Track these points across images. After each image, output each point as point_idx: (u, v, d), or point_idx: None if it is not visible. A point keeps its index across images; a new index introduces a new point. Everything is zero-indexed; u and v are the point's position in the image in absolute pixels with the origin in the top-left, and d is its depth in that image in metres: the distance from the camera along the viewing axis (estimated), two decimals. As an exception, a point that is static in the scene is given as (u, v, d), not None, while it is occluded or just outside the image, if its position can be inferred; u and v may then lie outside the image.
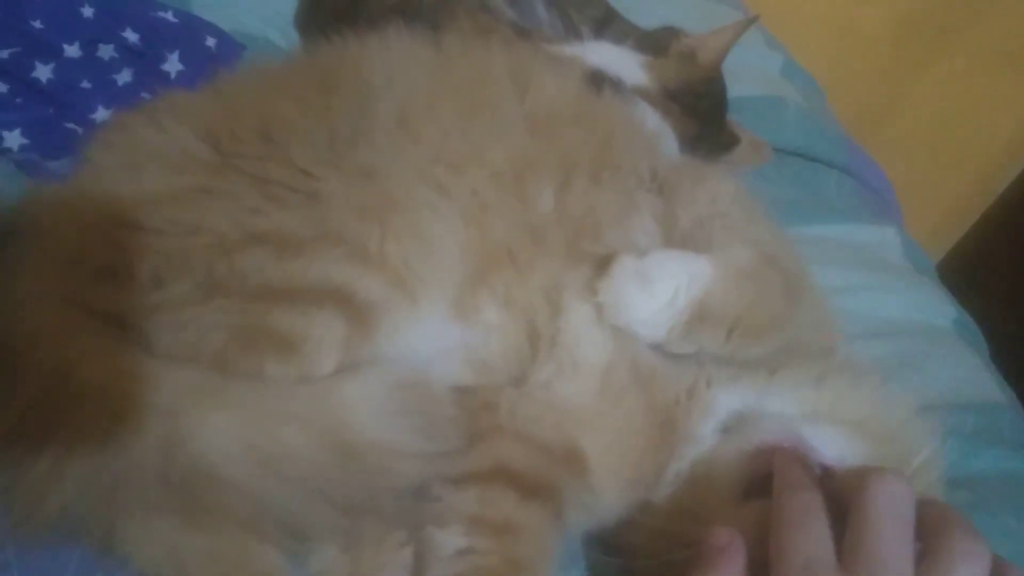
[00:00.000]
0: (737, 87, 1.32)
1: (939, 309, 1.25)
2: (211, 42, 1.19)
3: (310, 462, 0.70)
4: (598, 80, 1.05)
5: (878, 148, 1.80)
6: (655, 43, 1.21)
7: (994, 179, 2.37)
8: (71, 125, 1.02)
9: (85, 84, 1.07)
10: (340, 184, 0.80)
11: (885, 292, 1.23)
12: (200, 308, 0.73)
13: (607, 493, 0.79)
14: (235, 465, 0.68)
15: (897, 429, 0.80)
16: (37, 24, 1.06)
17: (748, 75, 1.50)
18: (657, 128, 1.11)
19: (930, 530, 0.63)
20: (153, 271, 0.74)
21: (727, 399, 0.82)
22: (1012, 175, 2.35)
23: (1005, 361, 1.27)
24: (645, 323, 0.79)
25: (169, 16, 1.17)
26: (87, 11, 1.09)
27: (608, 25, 1.31)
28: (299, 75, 0.90)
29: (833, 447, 0.74)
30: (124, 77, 1.11)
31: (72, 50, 1.08)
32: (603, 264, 0.82)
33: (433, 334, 0.81)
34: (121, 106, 0.99)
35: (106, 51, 1.11)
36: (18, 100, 1.04)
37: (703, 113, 1.17)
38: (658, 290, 0.79)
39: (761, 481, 0.73)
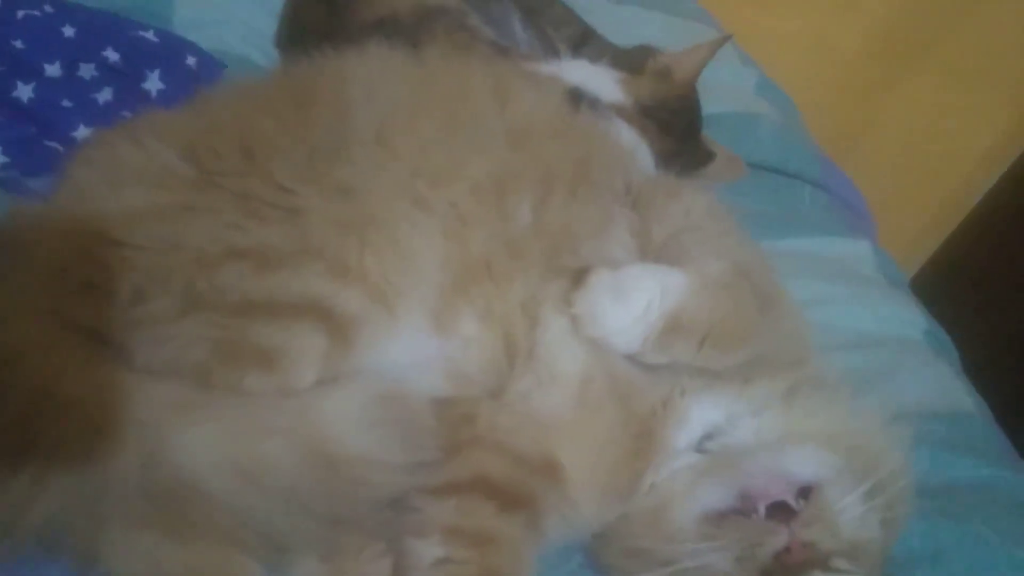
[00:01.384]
0: (712, 104, 1.35)
1: (911, 321, 1.27)
2: (191, 61, 1.20)
3: (291, 474, 0.71)
4: (575, 97, 1.06)
5: (852, 164, 1.83)
6: (631, 61, 1.23)
7: (967, 193, 2.41)
8: (52, 144, 1.02)
9: (66, 103, 1.08)
10: (319, 199, 0.81)
11: (858, 304, 1.25)
12: (181, 323, 0.74)
13: (584, 503, 0.81)
14: (216, 478, 0.69)
15: (867, 440, 0.82)
16: (18, 44, 1.07)
17: (723, 92, 1.52)
18: (633, 144, 1.13)
19: None
20: (134, 287, 0.74)
21: (701, 409, 0.83)
22: (985, 188, 2.39)
23: (979, 372, 1.29)
24: (620, 334, 0.81)
25: (150, 35, 1.18)
26: (68, 31, 1.10)
27: (585, 43, 1.33)
28: (278, 91, 0.91)
29: (807, 466, 0.77)
30: (105, 96, 1.11)
31: (53, 69, 1.09)
32: (579, 277, 0.83)
33: (412, 346, 0.82)
34: (102, 124, 1.00)
35: (87, 70, 1.12)
36: (-1, 119, 1.05)
37: (678, 129, 1.19)
38: (632, 302, 0.80)
39: None
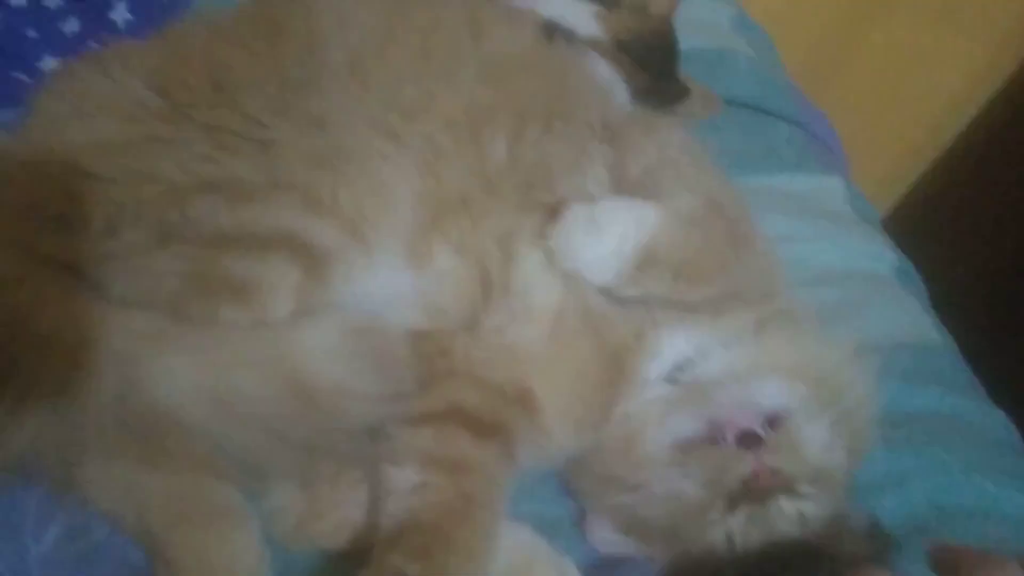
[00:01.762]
0: (688, 39, 1.34)
1: (881, 256, 1.29)
2: (159, -9, 1.18)
3: (266, 404, 0.72)
4: (550, 31, 1.05)
5: (827, 101, 1.83)
6: (608, -7, 1.22)
7: (939, 133, 2.42)
8: (18, 74, 1.00)
9: (31, 33, 1.06)
10: (292, 132, 0.80)
11: (829, 240, 1.26)
12: (154, 255, 0.74)
13: (557, 432, 0.82)
14: (192, 408, 0.70)
15: (834, 371, 0.84)
16: (-19, -26, 1.04)
17: (699, 28, 1.51)
18: (609, 79, 1.12)
19: None
20: (107, 219, 0.74)
21: (673, 341, 0.85)
22: (957, 130, 2.40)
23: (947, 307, 1.31)
24: (594, 267, 0.82)
25: (117, -35, 1.15)
26: (33, -41, 1.08)
27: (561, -24, 1.31)
28: (248, 23, 0.90)
29: (775, 396, 0.79)
30: (71, 26, 1.09)
31: (18, -1, 1.06)
32: (554, 211, 0.83)
33: (387, 280, 0.83)
34: (68, 55, 0.98)
35: (52, 0, 1.09)
36: (-37, 51, 1.03)
37: (654, 65, 1.18)
38: (607, 236, 0.81)
39: None
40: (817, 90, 1.86)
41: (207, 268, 0.74)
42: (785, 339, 0.86)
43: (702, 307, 0.85)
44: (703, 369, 0.84)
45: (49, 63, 1.02)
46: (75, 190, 0.75)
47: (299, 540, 0.77)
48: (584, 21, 1.17)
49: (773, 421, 0.78)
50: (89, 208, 0.74)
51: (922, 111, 2.39)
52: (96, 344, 0.69)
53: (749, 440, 0.77)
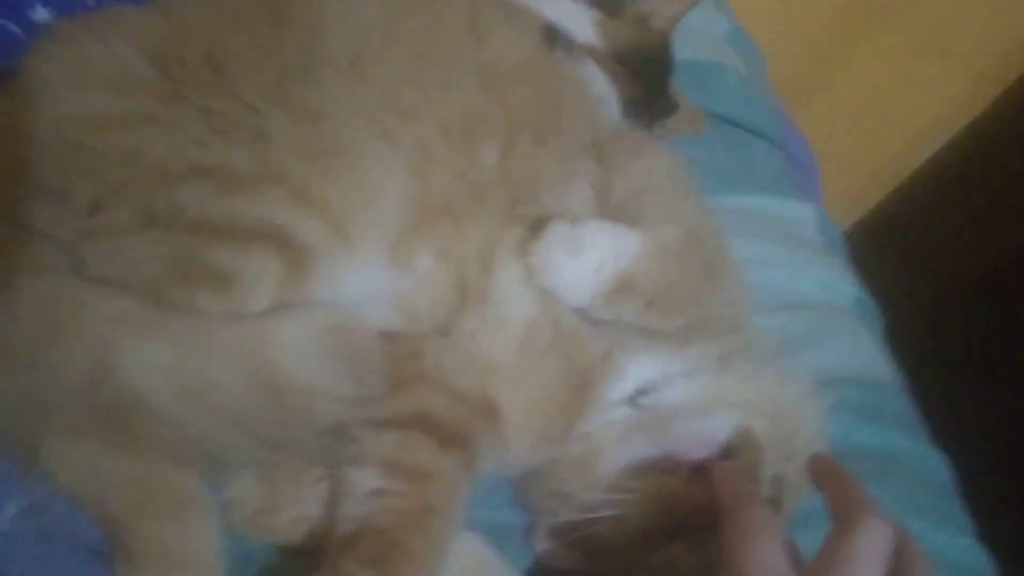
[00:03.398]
0: (681, 49, 1.34)
1: (843, 288, 1.32)
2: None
3: (236, 397, 0.72)
4: (551, 36, 1.05)
5: (808, 116, 1.86)
6: (611, 1, 1.22)
7: (910, 156, 2.47)
8: (9, 24, 0.97)
9: (23, -20, 1.02)
10: (286, 122, 0.80)
11: (796, 267, 1.28)
12: (136, 237, 0.73)
13: (517, 444, 0.84)
14: (162, 395, 0.70)
15: (790, 409, 0.87)
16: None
17: (693, 37, 1.51)
18: (603, 92, 1.12)
19: (839, 508, 0.69)
20: (91, 195, 0.73)
21: (638, 366, 0.87)
22: (927, 154, 2.45)
23: (896, 329, 1.35)
24: (570, 288, 0.83)
25: (116, -89, 1.11)
26: (28, -99, 1.03)
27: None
28: (252, 5, 0.88)
29: (731, 431, 0.81)
30: (65, -27, 1.05)
31: (10, -57, 1.02)
32: (537, 226, 0.84)
33: (367, 279, 0.83)
34: (63, 7, 0.95)
35: (47, -55, 1.05)
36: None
37: (648, 79, 1.19)
38: (586, 258, 0.82)
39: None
40: (799, 105, 1.88)
41: (189, 254, 0.74)
42: (746, 374, 0.88)
43: (670, 335, 0.87)
44: (664, 396, 0.86)
45: (41, 13, 0.98)
46: (62, 160, 0.74)
47: (255, 531, 0.78)
48: (583, 26, 1.17)
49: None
50: (75, 181, 0.73)
51: (896, 133, 2.44)
52: (71, 323, 0.69)
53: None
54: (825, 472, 0.75)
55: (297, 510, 0.78)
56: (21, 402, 0.68)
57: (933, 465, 1.11)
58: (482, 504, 0.86)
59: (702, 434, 0.82)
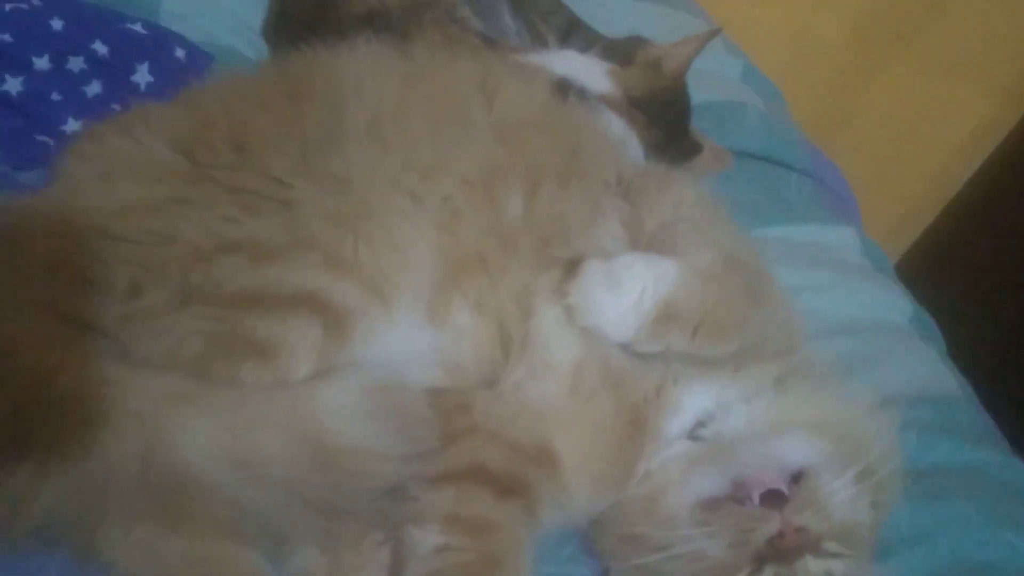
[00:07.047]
0: (699, 92, 1.36)
1: (896, 306, 1.29)
2: (180, 53, 1.19)
3: (288, 465, 0.71)
4: (563, 88, 1.07)
5: (836, 151, 1.85)
6: (621, 52, 1.24)
7: (947, 181, 2.44)
8: (42, 137, 1.02)
9: (55, 96, 1.08)
10: (313, 192, 0.81)
11: (844, 291, 1.26)
12: (177, 316, 0.75)
13: (579, 490, 0.82)
14: (214, 470, 0.69)
15: (856, 426, 0.84)
16: (6, 37, 1.06)
17: (709, 80, 1.53)
18: (622, 135, 1.13)
19: None
20: (130, 280, 0.75)
21: (693, 397, 0.85)
22: (966, 176, 2.42)
23: (962, 354, 1.31)
24: (613, 323, 0.82)
25: (138, 28, 1.17)
26: (56, 24, 1.10)
27: (573, 34, 1.34)
28: (270, 85, 0.91)
29: (798, 452, 0.79)
30: (94, 89, 1.11)
31: (41, 63, 1.08)
32: (572, 267, 0.84)
33: (407, 338, 0.83)
34: (91, 118, 1.00)
35: (76, 63, 1.11)
36: (-12, 114, 1.04)
37: (667, 121, 1.20)
38: (625, 291, 0.81)
39: None
40: (826, 140, 1.88)
41: (229, 328, 0.75)
42: (805, 394, 0.86)
43: (722, 362, 0.85)
44: (725, 425, 0.84)
45: (73, 125, 1.03)
46: (99, 251, 0.75)
47: (321, 604, 0.76)
48: (597, 77, 1.19)
49: (797, 478, 0.78)
50: (113, 269, 0.75)
51: (928, 159, 2.41)
52: (118, 405, 0.69)
53: (774, 498, 0.76)
54: None
55: (362, 578, 0.76)
56: (75, 491, 0.67)
57: (1017, 475, 1.05)
58: (550, 559, 0.83)
59: (770, 457, 0.79)
